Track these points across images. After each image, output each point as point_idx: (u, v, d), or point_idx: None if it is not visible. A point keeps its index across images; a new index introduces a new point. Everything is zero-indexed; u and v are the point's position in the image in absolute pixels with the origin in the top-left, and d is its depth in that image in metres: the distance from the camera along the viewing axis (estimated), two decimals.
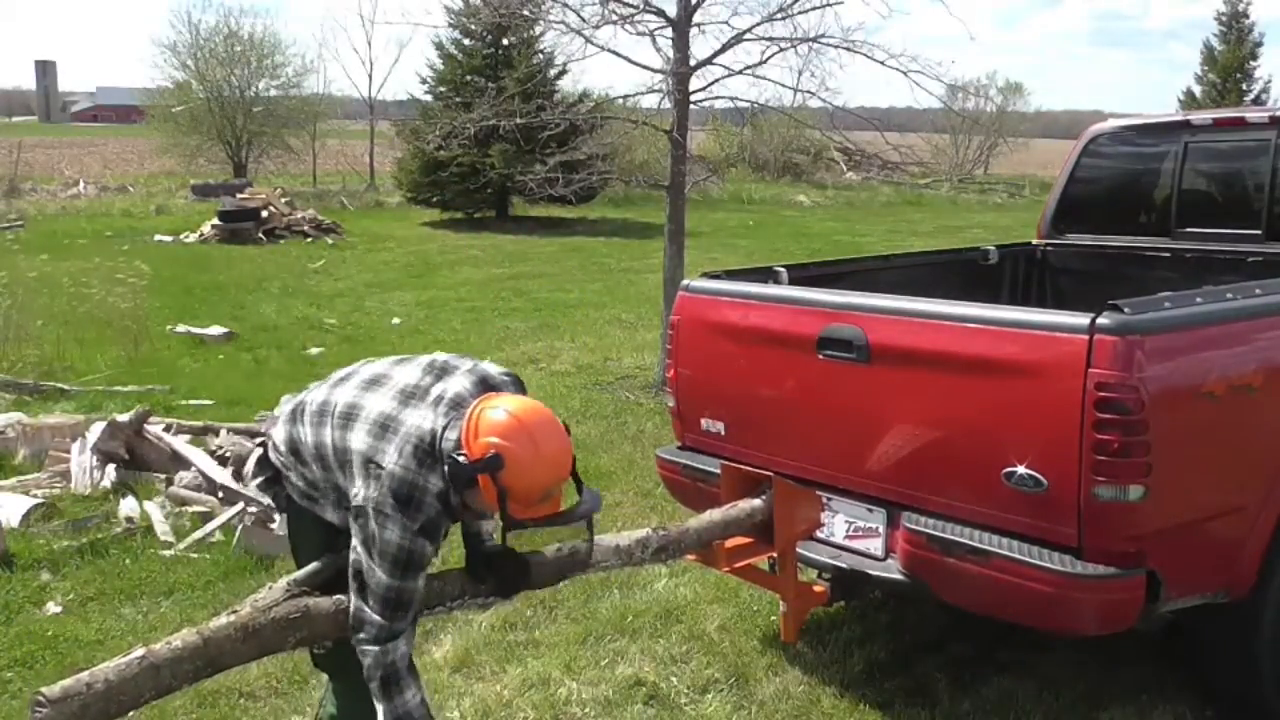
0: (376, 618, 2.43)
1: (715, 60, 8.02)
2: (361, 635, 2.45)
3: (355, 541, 2.46)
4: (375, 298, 12.90)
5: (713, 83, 8.17)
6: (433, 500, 2.43)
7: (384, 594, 2.43)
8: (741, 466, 3.42)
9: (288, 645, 2.36)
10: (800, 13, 7.84)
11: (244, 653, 2.30)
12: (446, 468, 2.40)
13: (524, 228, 20.51)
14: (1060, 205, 5.43)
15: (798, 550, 3.42)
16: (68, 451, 5.99)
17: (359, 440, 2.49)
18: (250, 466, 5.47)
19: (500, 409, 2.40)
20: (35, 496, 5.56)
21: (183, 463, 5.88)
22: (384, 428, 2.48)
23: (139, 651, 2.15)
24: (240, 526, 5.03)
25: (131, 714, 3.52)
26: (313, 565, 2.49)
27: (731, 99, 9.15)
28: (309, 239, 18.51)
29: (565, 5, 8.14)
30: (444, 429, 2.44)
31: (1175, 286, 3.34)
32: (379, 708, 2.47)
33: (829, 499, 3.51)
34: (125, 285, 10.83)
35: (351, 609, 2.47)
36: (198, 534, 5.14)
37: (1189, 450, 2.98)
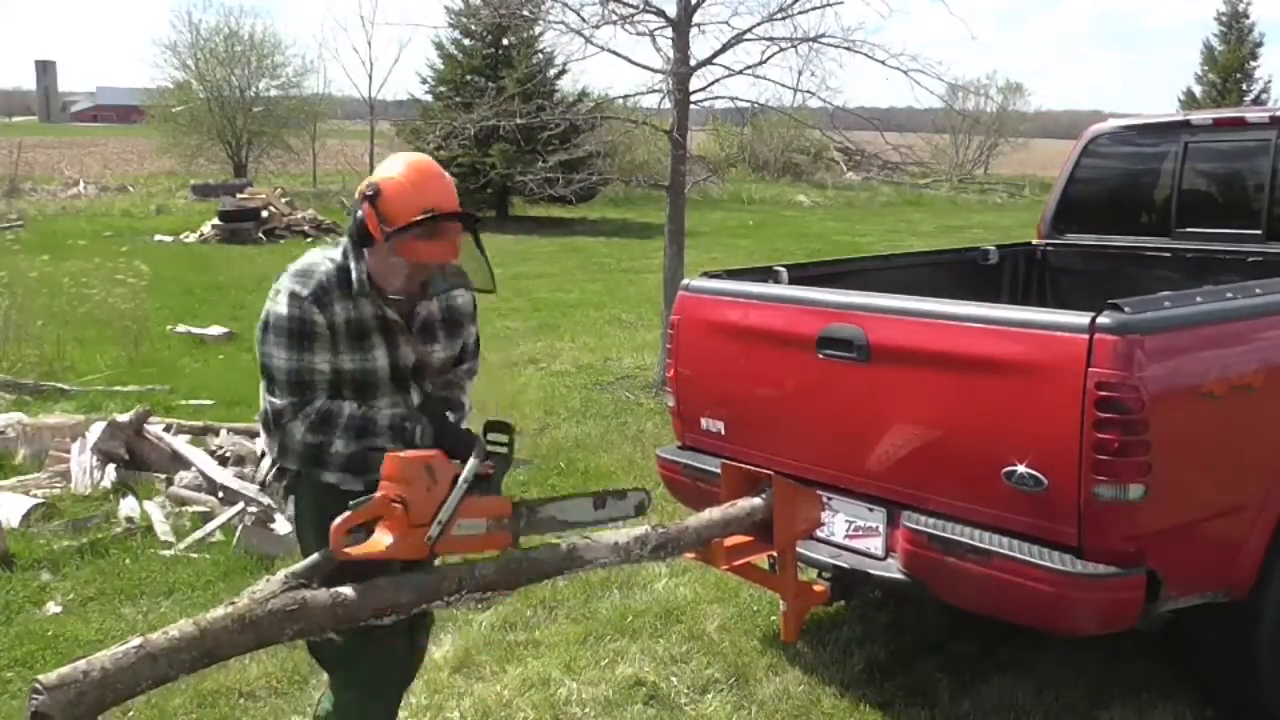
0: (280, 401, 2.58)
1: (715, 60, 8.03)
2: (273, 426, 2.58)
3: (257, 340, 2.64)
4: None
5: (713, 83, 8.19)
6: (328, 269, 2.63)
7: (285, 376, 2.58)
8: (741, 466, 3.41)
9: (285, 637, 2.37)
10: (800, 13, 7.86)
11: (241, 643, 2.30)
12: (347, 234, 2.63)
13: (524, 228, 20.53)
14: (1060, 205, 5.43)
15: (798, 549, 3.41)
16: (68, 451, 5.99)
17: None
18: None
19: (386, 161, 2.67)
20: (35, 496, 5.56)
21: (183, 463, 5.88)
22: None
23: (136, 641, 2.16)
24: (240, 526, 5.03)
25: (132, 713, 3.54)
26: (312, 558, 2.50)
27: (731, 99, 9.18)
28: (309, 239, 18.50)
29: (565, 5, 8.16)
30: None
31: (1175, 286, 3.35)
32: (323, 440, 2.60)
33: (829, 498, 3.50)
34: (125, 285, 10.82)
35: (262, 408, 2.60)
36: (198, 534, 5.14)
37: (1189, 450, 2.98)
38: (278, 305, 2.61)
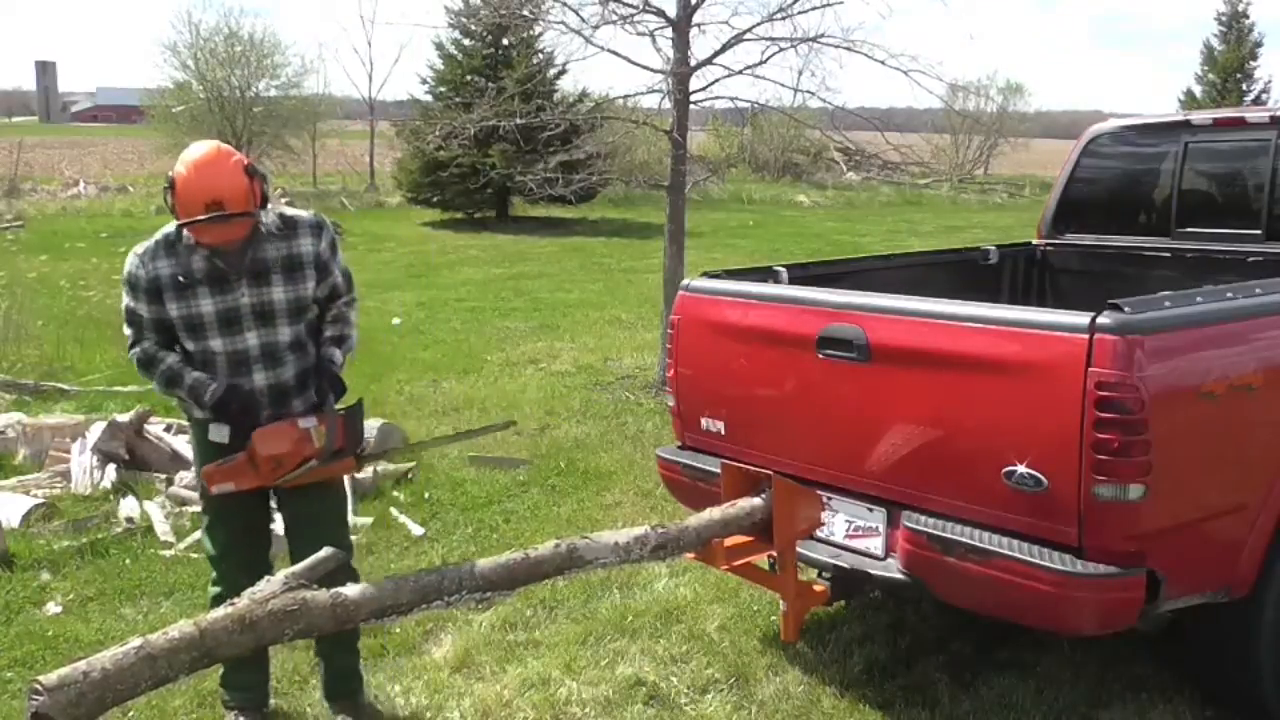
0: (126, 333, 3.31)
1: (715, 60, 8.02)
2: (127, 334, 3.30)
3: None
4: (375, 298, 12.89)
5: (713, 83, 8.18)
6: (166, 233, 3.23)
7: (123, 315, 3.30)
8: (741, 466, 3.41)
9: (285, 637, 2.38)
10: (800, 13, 7.85)
11: (241, 644, 2.31)
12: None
13: (524, 228, 20.53)
14: (1060, 205, 5.43)
15: (798, 549, 3.41)
16: (68, 451, 5.99)
17: None
18: None
19: (185, 150, 3.16)
20: (35, 496, 5.56)
21: (183, 463, 5.88)
22: None
23: (136, 641, 2.16)
24: None
25: (132, 714, 3.54)
26: (311, 559, 2.51)
27: (731, 99, 9.16)
28: None
29: (565, 5, 8.15)
30: None
31: (1175, 286, 3.34)
32: (153, 384, 3.33)
33: (829, 498, 3.50)
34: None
35: None
36: (198, 534, 5.11)
37: (1189, 449, 2.98)
38: (126, 262, 3.26)
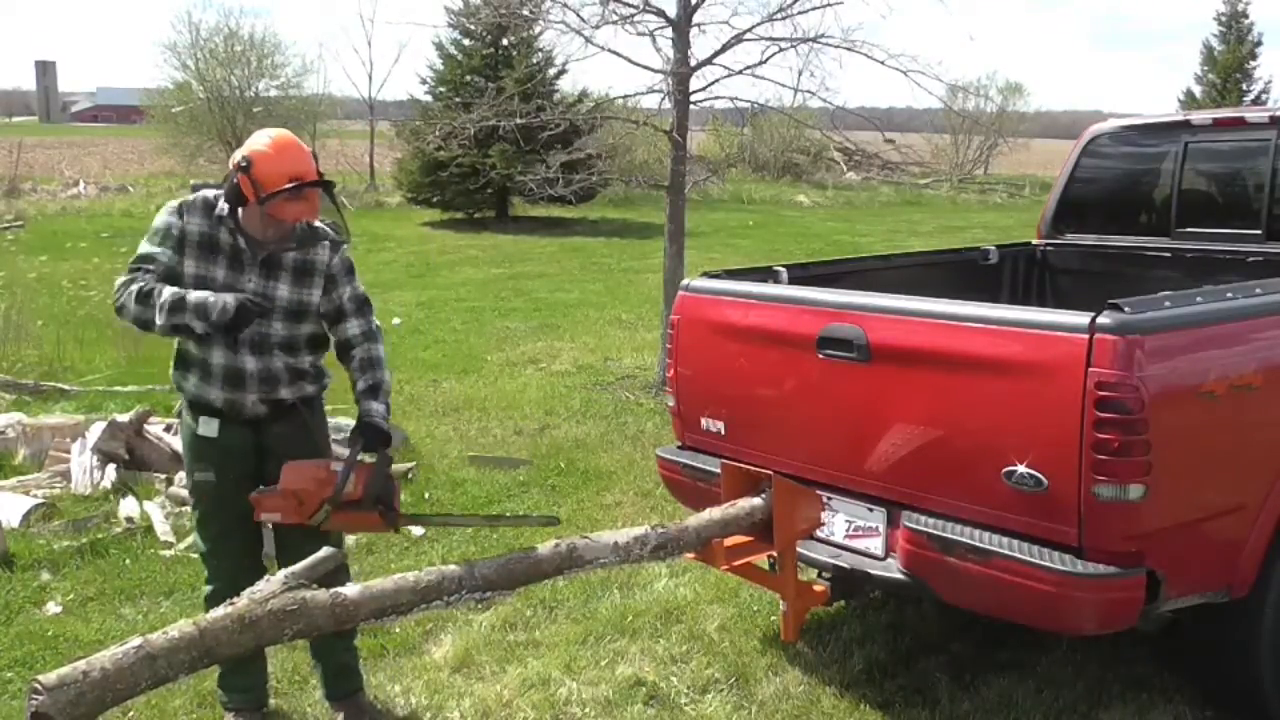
0: (125, 275, 3.24)
1: (715, 60, 8.03)
2: (117, 284, 3.22)
3: None
4: (375, 298, 12.65)
5: (713, 83, 8.18)
6: (205, 195, 3.30)
7: (137, 256, 3.26)
8: (741, 465, 3.42)
9: (284, 637, 2.38)
10: (800, 13, 7.86)
11: (240, 643, 2.31)
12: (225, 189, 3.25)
13: (524, 228, 20.52)
14: (1060, 205, 5.43)
15: (798, 549, 3.42)
16: (68, 451, 5.99)
17: None
18: None
19: (254, 136, 3.26)
20: (35, 496, 5.56)
21: (183, 463, 5.87)
22: None
23: (135, 641, 2.16)
24: None
25: (132, 714, 3.54)
26: (311, 559, 2.51)
27: (731, 99, 9.16)
28: None
29: (565, 5, 8.15)
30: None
31: (1175, 286, 3.34)
32: (149, 316, 3.18)
33: (829, 498, 3.51)
34: None
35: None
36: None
37: (1189, 449, 2.98)
38: (157, 217, 3.30)
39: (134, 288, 3.19)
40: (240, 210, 3.26)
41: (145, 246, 3.28)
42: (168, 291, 3.16)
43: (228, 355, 3.29)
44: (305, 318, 3.39)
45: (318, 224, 3.43)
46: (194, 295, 3.15)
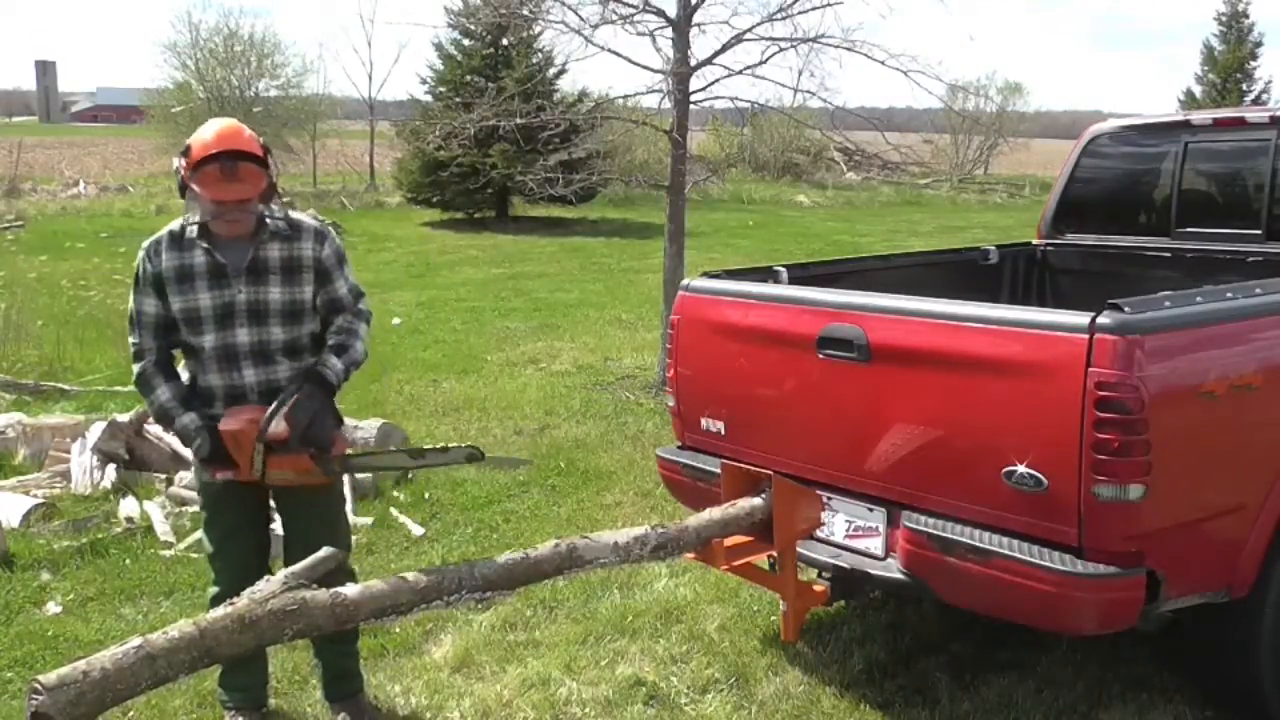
0: (130, 339, 3.34)
1: (715, 60, 8.02)
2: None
3: None
4: (375, 298, 12.75)
5: (713, 83, 8.18)
6: (171, 228, 3.30)
7: (129, 315, 3.33)
8: (741, 466, 3.41)
9: (284, 637, 2.38)
10: (800, 13, 7.85)
11: (241, 643, 2.31)
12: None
13: (524, 228, 20.52)
14: (1060, 205, 5.43)
15: (798, 549, 3.42)
16: (68, 451, 5.99)
17: None
18: None
19: None
20: (35, 496, 5.56)
21: (183, 463, 5.88)
22: None
23: (136, 641, 2.16)
24: None
25: (132, 714, 3.54)
26: (311, 558, 2.51)
27: (731, 99, 9.16)
28: None
29: (565, 5, 8.15)
30: None
31: (1175, 286, 3.34)
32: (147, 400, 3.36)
33: (829, 498, 3.51)
34: (124, 286, 10.83)
35: None
36: (198, 534, 5.10)
37: (1189, 449, 2.98)
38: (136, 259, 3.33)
39: (136, 367, 3.32)
40: (209, 227, 3.22)
41: (131, 300, 3.32)
42: (160, 399, 3.28)
43: (225, 375, 3.28)
44: (303, 317, 3.36)
45: (300, 216, 3.39)
46: (179, 420, 3.26)
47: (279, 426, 3.16)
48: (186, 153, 3.15)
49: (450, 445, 3.36)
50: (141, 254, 3.29)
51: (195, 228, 3.24)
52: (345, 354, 3.37)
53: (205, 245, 3.24)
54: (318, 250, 3.35)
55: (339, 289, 3.40)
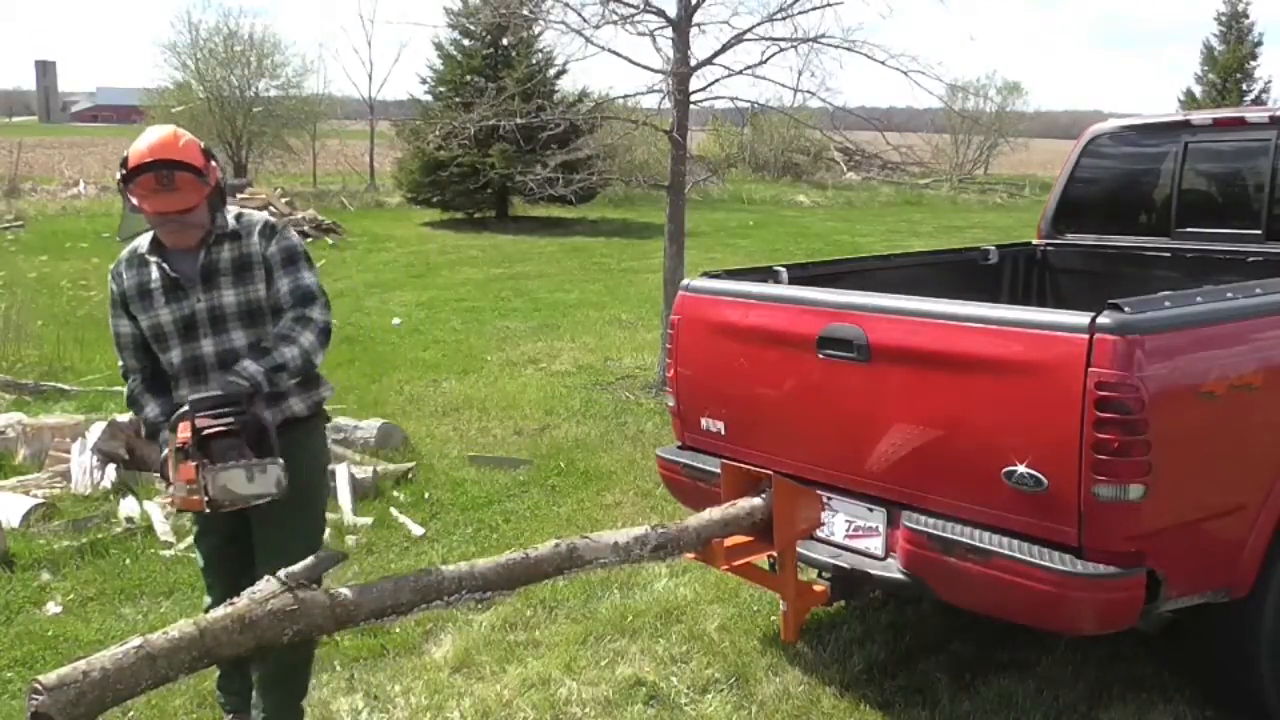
0: (119, 361, 3.32)
1: (715, 60, 8.03)
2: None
3: None
4: (375, 298, 12.91)
5: (713, 83, 8.18)
6: (131, 247, 3.25)
7: (112, 338, 3.30)
8: (741, 466, 3.41)
9: (284, 637, 2.38)
10: (800, 13, 7.86)
11: (240, 643, 2.31)
12: None
13: (524, 228, 20.52)
14: (1060, 205, 5.43)
15: (798, 549, 3.41)
16: (68, 451, 5.99)
17: None
18: None
19: None
20: (35, 496, 5.56)
21: None
22: None
23: (135, 641, 2.16)
24: None
25: (132, 714, 3.54)
26: (311, 559, 2.51)
27: (731, 99, 9.18)
28: (309, 239, 18.47)
29: (565, 5, 8.16)
30: None
31: (1175, 286, 3.34)
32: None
33: (829, 498, 3.51)
34: None
35: None
36: None
37: (1189, 449, 2.98)
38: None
39: (126, 391, 3.34)
40: (160, 240, 3.14)
41: (110, 322, 3.28)
42: (148, 416, 3.26)
43: (194, 388, 3.11)
44: (263, 317, 3.17)
45: (251, 213, 3.24)
46: (163, 436, 3.12)
47: (184, 432, 2.85)
48: (124, 163, 3.02)
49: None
50: (111, 272, 3.25)
51: (148, 243, 3.17)
52: (267, 356, 3.06)
53: (157, 259, 3.16)
54: (264, 246, 3.17)
55: (280, 288, 3.17)
